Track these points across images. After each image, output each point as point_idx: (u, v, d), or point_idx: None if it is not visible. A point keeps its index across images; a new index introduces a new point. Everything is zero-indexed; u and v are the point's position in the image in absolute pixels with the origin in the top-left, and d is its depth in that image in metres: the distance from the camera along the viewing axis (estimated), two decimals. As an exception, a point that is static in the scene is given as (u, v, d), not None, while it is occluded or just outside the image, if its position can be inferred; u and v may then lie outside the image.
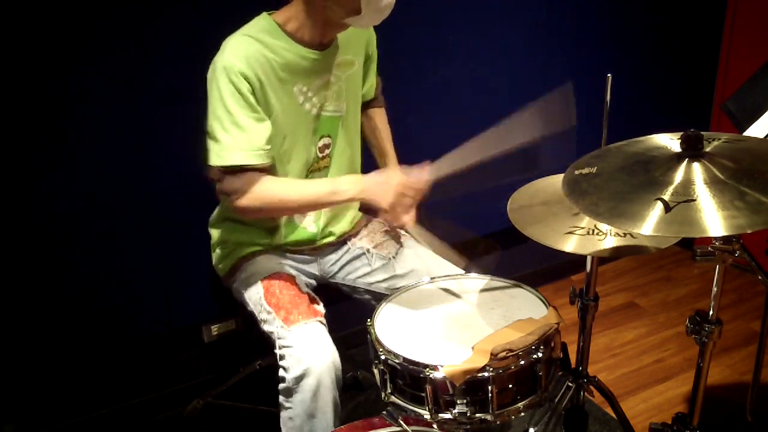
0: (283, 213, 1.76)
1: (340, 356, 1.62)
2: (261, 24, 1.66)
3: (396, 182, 1.62)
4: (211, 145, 1.63)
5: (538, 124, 1.53)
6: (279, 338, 1.62)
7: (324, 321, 1.67)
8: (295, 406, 1.58)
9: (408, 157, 1.99)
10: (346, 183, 1.66)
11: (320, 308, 1.71)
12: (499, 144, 1.57)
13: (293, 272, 1.81)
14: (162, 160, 2.06)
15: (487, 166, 1.57)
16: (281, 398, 1.62)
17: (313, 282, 1.91)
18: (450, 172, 1.63)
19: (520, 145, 1.54)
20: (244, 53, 1.59)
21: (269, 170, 1.66)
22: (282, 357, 1.60)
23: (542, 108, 1.54)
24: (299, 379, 1.55)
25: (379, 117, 2.00)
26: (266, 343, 1.72)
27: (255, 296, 1.72)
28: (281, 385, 1.60)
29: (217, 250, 1.87)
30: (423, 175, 1.64)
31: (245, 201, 1.63)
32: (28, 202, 1.96)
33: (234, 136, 1.59)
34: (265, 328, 1.67)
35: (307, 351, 1.56)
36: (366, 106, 1.97)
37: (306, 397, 1.56)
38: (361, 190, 1.64)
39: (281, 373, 1.60)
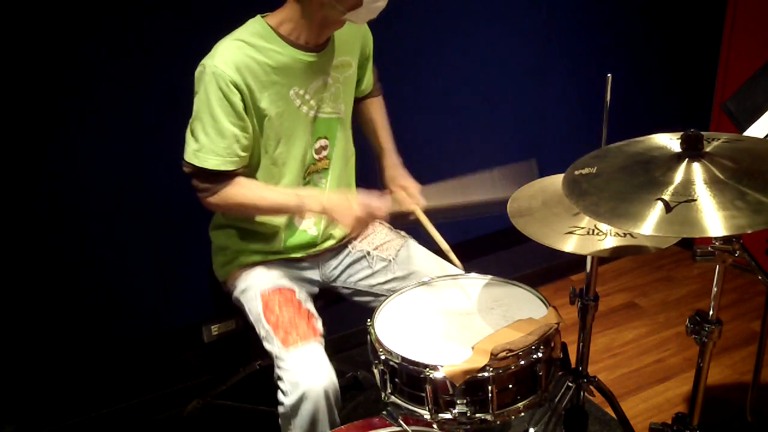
0: (249, 215, 1.77)
1: (339, 356, 1.62)
2: (254, 27, 1.65)
3: (357, 207, 1.66)
4: (190, 142, 1.65)
5: (502, 187, 1.68)
6: (278, 359, 1.62)
7: (322, 341, 1.66)
8: (295, 430, 1.59)
9: (407, 157, 2.00)
10: (312, 200, 1.69)
11: (319, 325, 1.71)
12: (464, 196, 1.72)
13: (293, 284, 1.80)
14: (162, 160, 2.06)
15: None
16: (281, 422, 1.63)
17: (315, 289, 1.90)
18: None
19: (483, 201, 1.69)
20: (234, 60, 1.59)
21: (241, 174, 1.69)
22: (280, 378, 1.61)
23: (507, 174, 1.69)
24: (297, 405, 1.56)
25: (375, 107, 1.98)
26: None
27: (254, 310, 1.72)
28: (280, 409, 1.61)
29: (218, 257, 1.87)
30: (384, 204, 1.70)
31: (214, 200, 1.67)
32: (28, 202, 1.96)
33: (214, 141, 1.61)
34: (265, 345, 1.68)
35: (304, 375, 1.56)
36: (363, 98, 1.97)
37: (304, 422, 1.57)
38: (324, 208, 1.68)
39: (280, 397, 1.61)
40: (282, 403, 1.60)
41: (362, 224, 1.67)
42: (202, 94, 1.61)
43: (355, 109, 1.94)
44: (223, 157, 1.63)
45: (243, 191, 1.68)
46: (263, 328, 1.68)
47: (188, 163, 1.65)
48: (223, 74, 1.58)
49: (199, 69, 1.62)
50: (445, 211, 1.74)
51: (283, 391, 1.59)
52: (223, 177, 1.65)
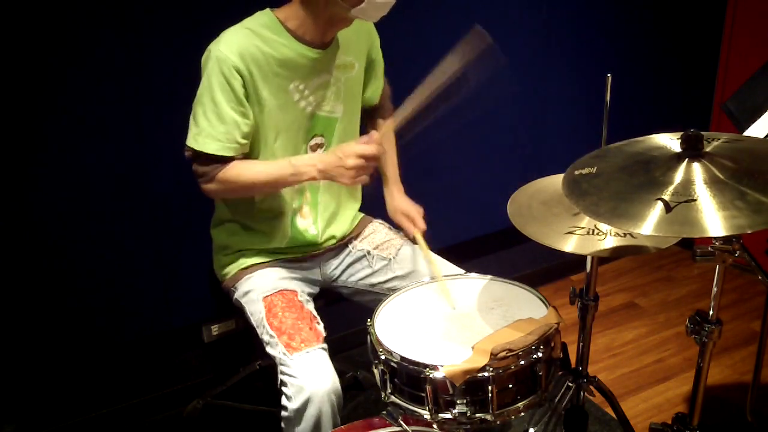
0: (249, 194, 1.76)
1: (339, 356, 1.62)
2: (262, 19, 1.67)
3: (351, 157, 1.61)
4: (191, 127, 1.66)
5: (462, 61, 1.67)
6: (281, 365, 1.62)
7: (325, 345, 1.66)
8: None
9: (407, 156, 2.00)
10: (305, 165, 1.66)
11: (321, 329, 1.71)
12: (435, 85, 1.66)
13: (295, 286, 1.79)
14: (162, 159, 2.06)
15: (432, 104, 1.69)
16: (283, 425, 1.63)
17: (316, 289, 1.90)
18: (399, 123, 1.70)
19: (452, 77, 1.66)
20: (238, 46, 1.60)
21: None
22: (284, 384, 1.61)
23: (460, 53, 1.67)
24: (301, 410, 1.56)
25: (385, 133, 1.98)
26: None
27: (257, 315, 1.72)
28: (284, 414, 1.61)
29: (219, 257, 1.87)
30: (373, 138, 1.65)
31: (212, 185, 1.68)
32: (28, 202, 1.96)
33: (214, 126, 1.62)
34: (268, 350, 1.68)
35: (308, 380, 1.56)
36: (372, 114, 1.96)
37: (308, 426, 1.57)
38: (320, 170, 1.65)
39: (284, 401, 1.60)
40: (286, 408, 1.59)
41: (360, 175, 1.63)
42: (205, 79, 1.62)
43: (365, 126, 1.94)
44: (222, 142, 1.63)
45: (238, 171, 1.67)
46: (267, 333, 1.68)
47: (188, 147, 1.66)
48: (227, 59, 1.59)
49: (204, 54, 1.63)
50: (421, 112, 1.70)
51: (287, 396, 1.59)
52: (221, 162, 1.65)
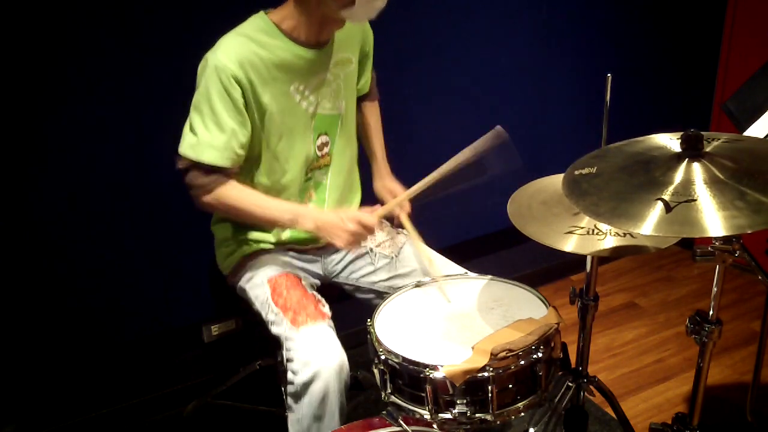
0: (240, 219, 1.77)
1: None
2: (257, 23, 1.66)
3: (352, 222, 1.64)
4: (187, 136, 1.64)
5: (479, 165, 1.68)
6: (287, 340, 1.62)
7: (331, 323, 1.66)
8: (303, 408, 1.59)
9: (407, 156, 2.00)
10: (306, 217, 1.68)
11: (326, 310, 1.71)
12: (448, 183, 1.69)
13: (299, 272, 1.81)
14: (162, 159, 2.05)
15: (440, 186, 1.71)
16: (289, 400, 1.62)
17: (317, 282, 1.90)
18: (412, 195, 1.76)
19: (465, 182, 1.68)
20: (237, 54, 1.60)
21: (235, 174, 1.68)
22: (290, 359, 1.60)
23: (479, 149, 1.67)
24: (308, 383, 1.56)
25: (371, 112, 2.00)
26: (267, 343, 1.72)
27: (262, 296, 1.72)
28: (289, 388, 1.60)
29: (221, 249, 1.87)
30: (375, 215, 1.69)
31: (208, 199, 1.67)
32: (28, 202, 1.96)
33: (213, 134, 1.61)
34: (273, 329, 1.67)
35: (315, 354, 1.56)
36: (361, 100, 1.97)
37: (314, 400, 1.56)
38: (318, 226, 1.67)
39: (289, 376, 1.60)
40: (291, 382, 1.59)
41: (356, 241, 1.66)
42: (202, 88, 1.61)
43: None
44: (221, 152, 1.62)
45: (238, 194, 1.67)
46: (272, 311, 1.67)
47: (184, 157, 1.64)
48: (225, 68, 1.58)
49: (201, 63, 1.63)
50: (434, 190, 1.74)
51: (293, 371, 1.58)
52: (218, 174, 1.64)
